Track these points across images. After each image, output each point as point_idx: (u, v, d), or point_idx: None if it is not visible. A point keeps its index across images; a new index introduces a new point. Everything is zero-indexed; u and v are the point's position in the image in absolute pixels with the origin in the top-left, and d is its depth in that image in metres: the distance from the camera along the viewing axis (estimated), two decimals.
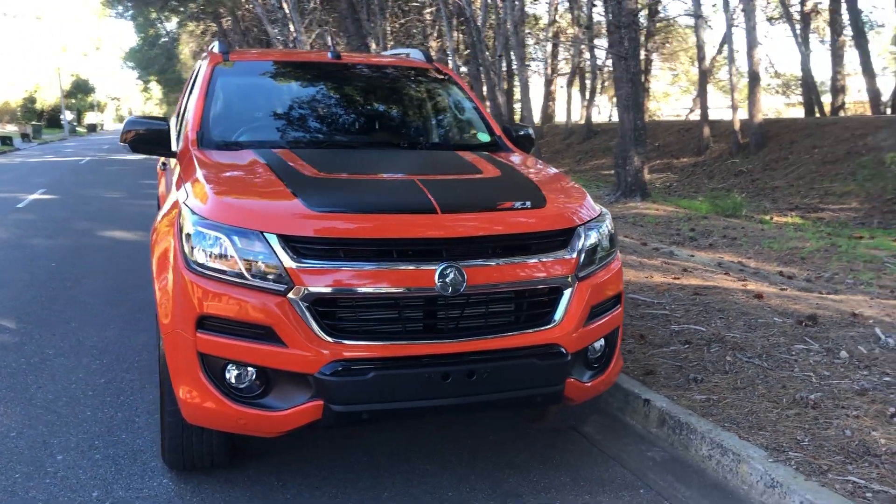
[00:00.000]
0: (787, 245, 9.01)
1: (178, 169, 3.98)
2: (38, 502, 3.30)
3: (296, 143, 3.99)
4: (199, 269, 2.98)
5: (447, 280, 2.90)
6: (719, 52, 28.69)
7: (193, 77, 5.02)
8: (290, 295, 2.85)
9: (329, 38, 29.55)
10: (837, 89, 24.63)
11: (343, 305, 2.89)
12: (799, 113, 32.46)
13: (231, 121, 4.18)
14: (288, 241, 2.89)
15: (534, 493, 3.39)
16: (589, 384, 3.28)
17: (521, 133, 4.63)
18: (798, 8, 26.77)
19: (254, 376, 2.95)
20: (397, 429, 4.00)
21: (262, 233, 2.91)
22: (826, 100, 25.77)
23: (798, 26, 26.16)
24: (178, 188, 3.56)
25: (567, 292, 3.15)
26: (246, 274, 2.90)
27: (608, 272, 3.37)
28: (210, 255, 2.97)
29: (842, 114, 24.02)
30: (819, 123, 18.38)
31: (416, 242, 2.95)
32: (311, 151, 3.81)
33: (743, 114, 19.31)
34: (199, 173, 3.41)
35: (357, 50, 16.72)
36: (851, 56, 27.59)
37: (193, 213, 3.09)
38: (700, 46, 19.61)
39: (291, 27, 22.19)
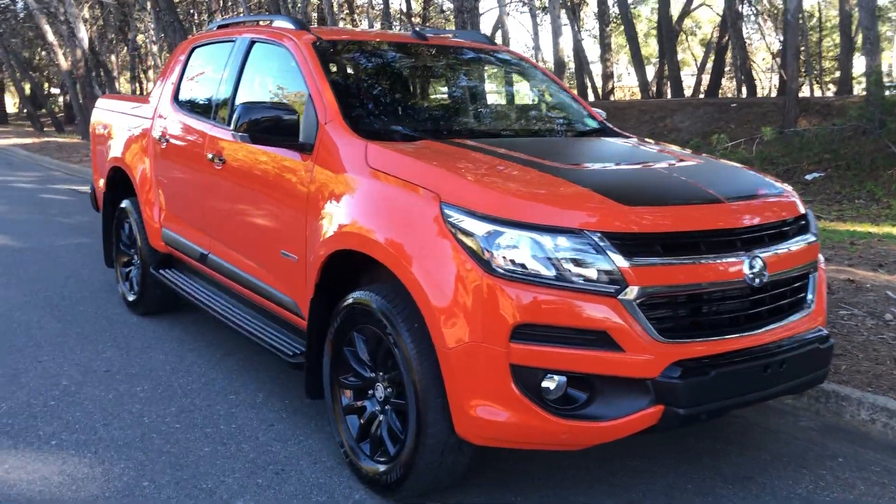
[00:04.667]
0: None
1: (317, 165, 3.52)
2: None
3: (464, 133, 3.71)
4: (508, 274, 2.70)
5: (755, 269, 2.89)
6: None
7: (242, 56, 4.40)
8: (623, 296, 2.68)
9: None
10: (607, 75, 26.82)
11: (670, 303, 2.78)
12: None
13: (370, 108, 3.77)
14: (612, 239, 2.71)
15: (759, 472, 3.47)
16: None
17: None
18: None
19: (578, 385, 2.74)
20: None
21: (585, 231, 2.70)
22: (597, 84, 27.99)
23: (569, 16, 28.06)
24: (379, 185, 3.19)
25: (814, 276, 3.26)
26: (570, 276, 2.68)
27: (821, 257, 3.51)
28: (515, 259, 2.71)
29: (612, 98, 26.26)
30: (618, 106, 19.92)
31: (722, 233, 2.90)
32: (498, 140, 3.57)
33: None
34: (426, 167, 3.08)
35: (170, 25, 15.43)
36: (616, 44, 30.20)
37: (476, 212, 2.79)
38: (504, 33, 20.44)
39: None
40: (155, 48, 24.94)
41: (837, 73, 25.85)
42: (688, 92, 26.76)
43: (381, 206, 3.14)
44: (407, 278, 2.90)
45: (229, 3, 25.33)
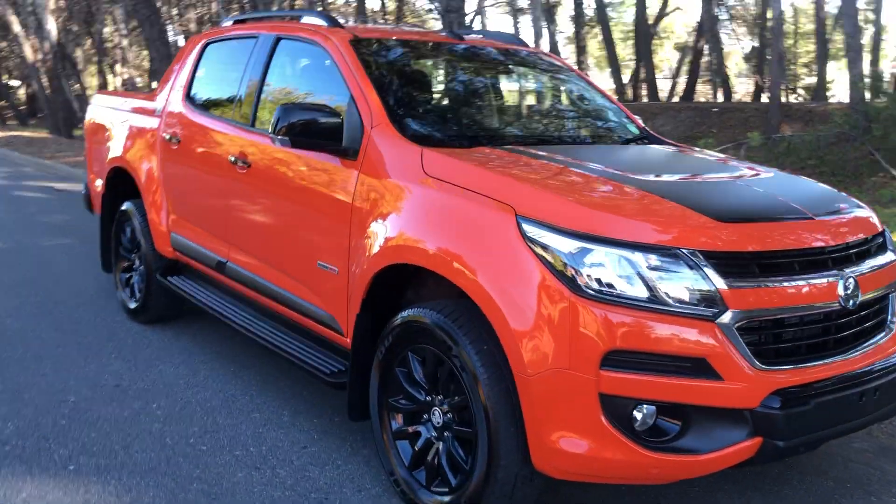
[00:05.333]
0: None
1: (363, 173, 3.31)
2: None
3: (517, 139, 3.52)
4: (598, 295, 2.51)
5: (849, 290, 2.74)
6: None
7: (266, 53, 4.13)
8: (721, 319, 2.51)
9: None
10: None
11: (766, 327, 2.61)
12: None
13: (416, 112, 3.55)
14: (709, 258, 2.54)
15: (827, 499, 3.33)
16: None
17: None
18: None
19: (669, 415, 2.56)
20: None
21: (681, 249, 2.52)
22: None
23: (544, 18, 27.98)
24: (439, 195, 2.99)
25: (894, 295, 3.11)
26: (666, 298, 2.50)
27: None
28: (605, 279, 2.52)
29: None
30: None
31: (815, 252, 2.74)
32: (555, 148, 3.39)
33: None
34: (496, 177, 2.89)
35: (147, 19, 14.98)
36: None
37: (561, 228, 2.59)
38: None
39: None
40: (125, 42, 24.31)
41: (806, 80, 26.15)
42: (662, 96, 26.85)
43: (445, 219, 2.93)
44: (481, 298, 2.70)
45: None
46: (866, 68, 18.11)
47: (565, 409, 2.55)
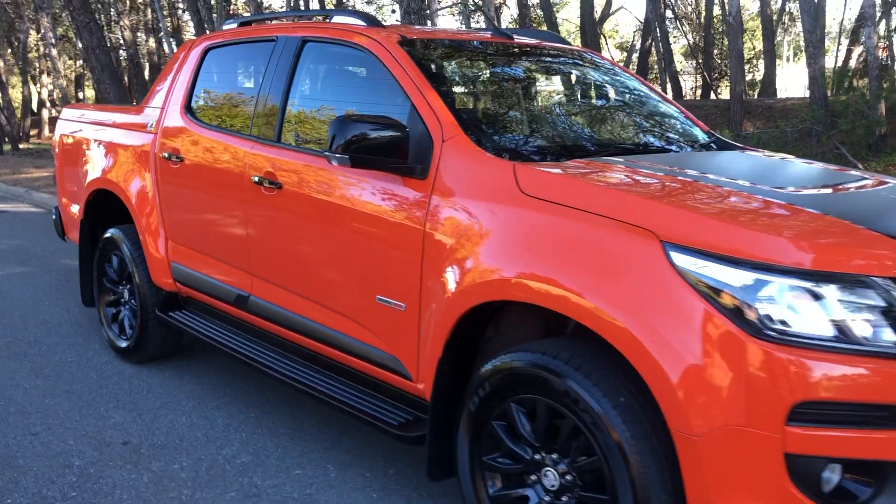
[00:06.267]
0: None
1: (436, 194, 2.84)
2: None
3: (607, 149, 3.09)
4: (779, 336, 2.10)
5: None
6: None
7: (291, 59, 3.60)
8: None
9: None
10: None
11: None
12: None
13: (488, 122, 3.09)
14: None
15: None
16: None
17: None
18: None
19: (857, 473, 2.17)
20: None
21: (872, 277, 2.13)
22: None
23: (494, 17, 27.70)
24: (549, 219, 2.53)
25: None
26: (858, 337, 2.11)
27: None
28: (784, 316, 2.12)
29: None
30: None
31: None
32: (655, 158, 2.98)
33: None
34: (625, 197, 2.46)
35: (86, 26, 14.05)
36: None
37: (728, 257, 2.18)
38: None
39: None
40: (54, 51, 23.11)
41: (749, 76, 26.43)
42: None
43: (558, 248, 2.48)
44: (624, 343, 2.26)
45: (140, 4, 23.78)
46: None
47: (742, 474, 2.14)
